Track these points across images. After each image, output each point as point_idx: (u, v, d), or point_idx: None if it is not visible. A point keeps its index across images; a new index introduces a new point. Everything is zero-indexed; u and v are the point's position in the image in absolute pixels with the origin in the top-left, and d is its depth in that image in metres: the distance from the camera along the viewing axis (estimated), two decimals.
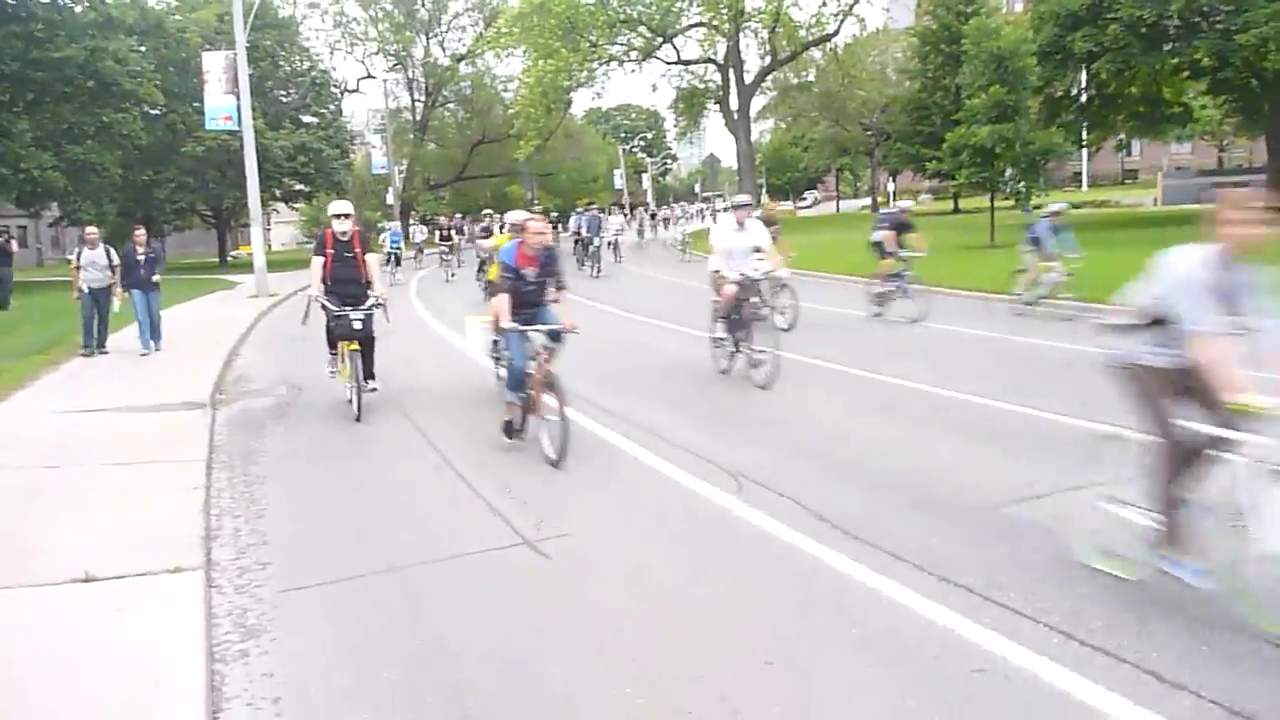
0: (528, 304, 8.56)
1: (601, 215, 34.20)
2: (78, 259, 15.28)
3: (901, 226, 17.23)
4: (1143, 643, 4.55)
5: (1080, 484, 6.21)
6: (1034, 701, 4.13)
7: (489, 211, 24.43)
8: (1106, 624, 4.75)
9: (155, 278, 15.53)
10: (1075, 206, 51.45)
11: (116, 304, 15.42)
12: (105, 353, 15.37)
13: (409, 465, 8.62)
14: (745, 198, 13.20)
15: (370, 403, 10.75)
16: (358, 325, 10.27)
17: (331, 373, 11.07)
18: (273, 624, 5.26)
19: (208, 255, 56.63)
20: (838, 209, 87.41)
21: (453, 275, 30.76)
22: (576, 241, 31.80)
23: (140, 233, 16.12)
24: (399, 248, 32.41)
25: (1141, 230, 29.94)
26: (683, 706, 4.19)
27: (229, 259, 52.31)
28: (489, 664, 4.70)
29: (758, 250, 12.18)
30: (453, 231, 34.00)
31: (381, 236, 32.40)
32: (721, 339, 12.05)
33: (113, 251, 15.55)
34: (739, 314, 11.59)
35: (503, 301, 8.32)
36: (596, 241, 30.64)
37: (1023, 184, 30.00)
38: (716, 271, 11.98)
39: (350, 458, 9.00)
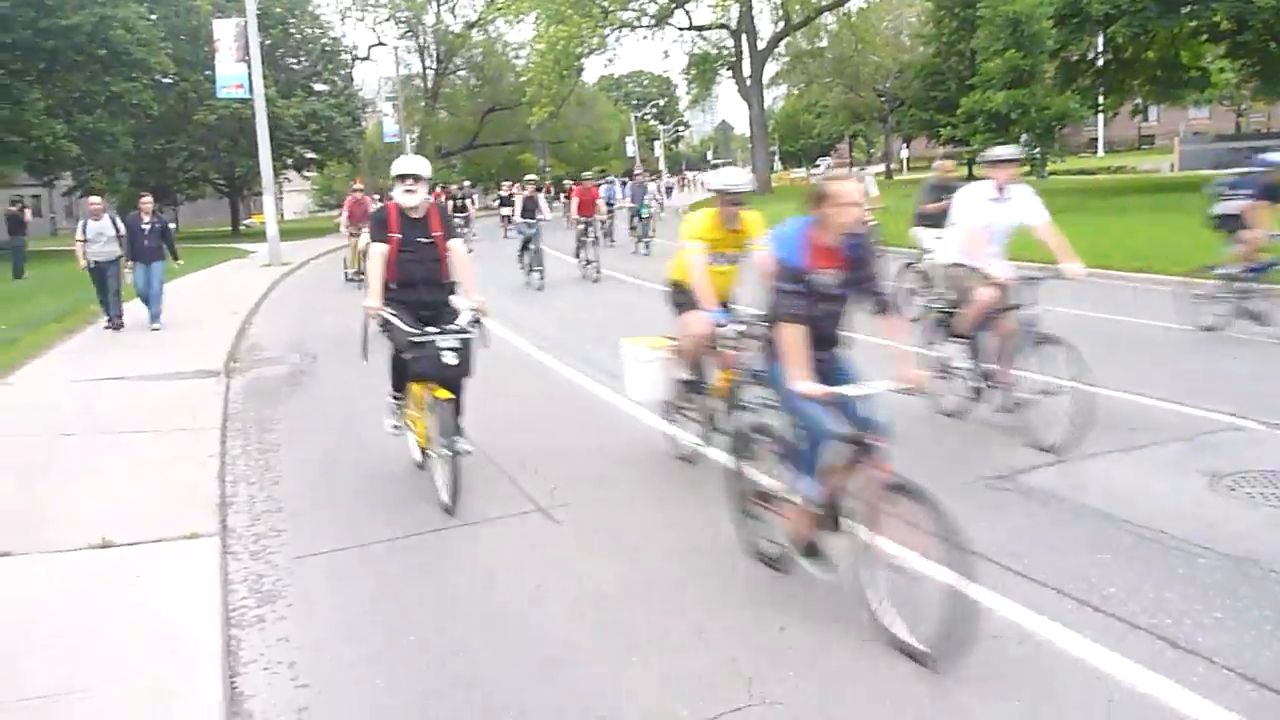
0: (822, 339, 4.76)
1: (646, 182, 29.21)
2: (83, 231, 14.65)
3: (1274, 192, 10.96)
4: (1159, 609, 4.55)
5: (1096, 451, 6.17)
6: (1052, 666, 4.14)
7: (532, 177, 22.81)
8: (1121, 590, 4.75)
9: (167, 249, 14.91)
10: (1089, 173, 51.23)
11: (129, 276, 14.80)
12: (121, 326, 14.83)
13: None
14: (1008, 149, 7.92)
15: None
16: (452, 359, 6.40)
17: (395, 429, 7.31)
18: (288, 590, 5.29)
19: (220, 224, 56.69)
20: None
21: (470, 250, 29.21)
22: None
23: (146, 200, 15.32)
24: None
25: (1160, 196, 29.61)
26: (695, 670, 4.22)
27: (242, 228, 52.34)
28: (497, 630, 4.72)
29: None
30: (466, 201, 32.15)
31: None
32: (960, 368, 7.93)
33: (119, 221, 14.93)
34: (994, 330, 7.54)
35: (795, 339, 4.58)
36: (645, 212, 25.83)
37: (1038, 150, 29.80)
38: (956, 265, 7.88)
39: (361, 425, 9.01)
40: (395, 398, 7.24)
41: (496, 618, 4.86)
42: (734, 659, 4.30)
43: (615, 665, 4.33)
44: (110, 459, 7.65)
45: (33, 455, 7.77)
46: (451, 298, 6.88)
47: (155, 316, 14.86)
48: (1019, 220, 7.62)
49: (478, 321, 6.58)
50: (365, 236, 13.37)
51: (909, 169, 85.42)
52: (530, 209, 19.31)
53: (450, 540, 5.94)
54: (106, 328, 14.82)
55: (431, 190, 7.77)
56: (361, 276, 18.18)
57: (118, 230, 14.65)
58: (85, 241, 14.59)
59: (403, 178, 6.68)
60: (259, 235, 35.93)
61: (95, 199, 15.59)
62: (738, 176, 6.90)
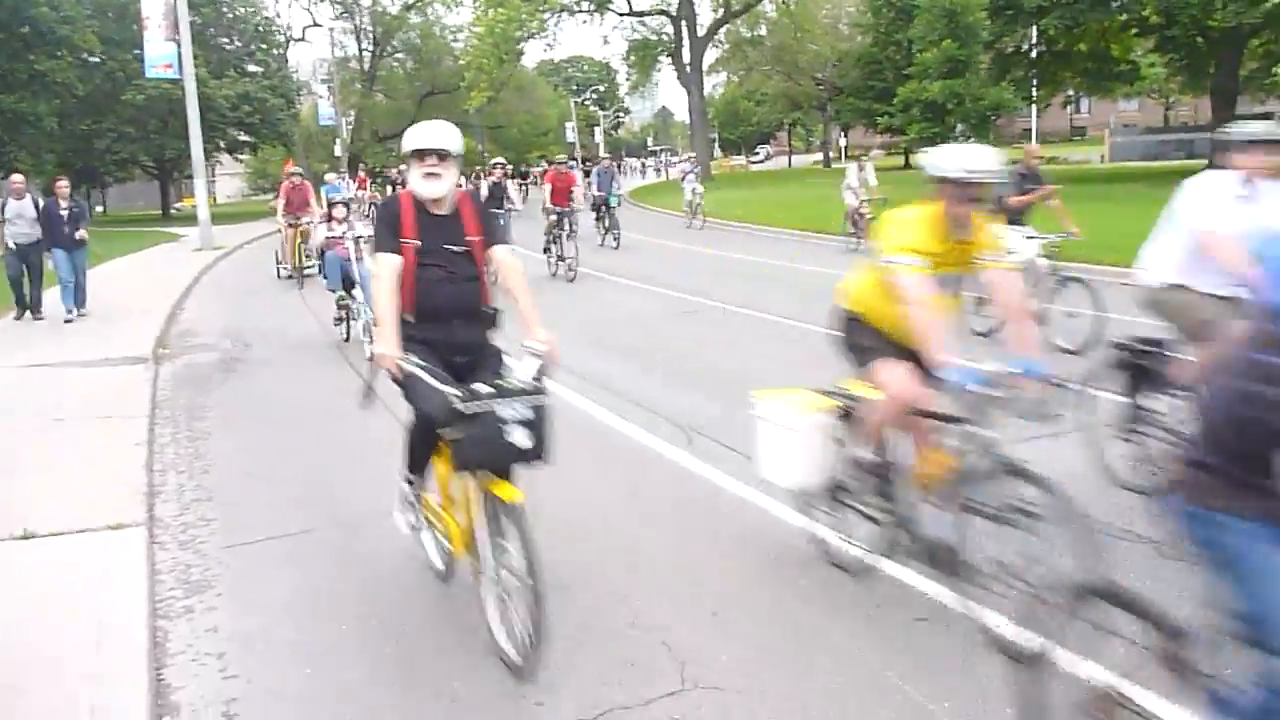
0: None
1: (614, 168, 27.24)
2: (1, 211, 13.79)
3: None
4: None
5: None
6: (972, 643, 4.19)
7: (500, 161, 19.27)
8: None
9: (80, 234, 13.97)
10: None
11: (50, 262, 13.97)
12: (40, 318, 14.01)
13: (358, 420, 8.53)
14: (1266, 126, 5.68)
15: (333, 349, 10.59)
16: (523, 439, 4.09)
17: (413, 527, 5.06)
18: (217, 580, 5.21)
19: (150, 208, 55.49)
20: (790, 164, 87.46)
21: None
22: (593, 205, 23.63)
23: (62, 185, 14.33)
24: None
25: (1092, 185, 30.19)
26: (629, 656, 4.22)
27: (173, 211, 51.27)
28: (434, 618, 4.69)
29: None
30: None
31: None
32: (1166, 432, 5.63)
33: (41, 203, 14.12)
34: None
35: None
36: (614, 202, 23.47)
37: (973, 139, 30.21)
38: (1177, 288, 5.60)
39: (298, 413, 8.90)
40: (410, 481, 4.92)
41: (429, 608, 4.82)
42: None
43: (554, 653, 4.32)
44: (33, 448, 7.47)
45: None
46: (491, 333, 4.75)
47: (81, 303, 14.24)
48: (1269, 226, 4.92)
49: (542, 373, 4.28)
50: (319, 230, 12.68)
51: (846, 157, 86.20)
52: (498, 196, 17.18)
53: (383, 529, 5.86)
54: (16, 319, 14.01)
55: (370, 174, 6.84)
56: (305, 273, 17.33)
57: (39, 212, 13.88)
58: (4, 222, 13.79)
59: (421, 154, 4.47)
60: (190, 219, 35.21)
61: (17, 176, 14.84)
62: (982, 158, 4.34)
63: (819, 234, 22.59)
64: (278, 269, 19.29)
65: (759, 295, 14.20)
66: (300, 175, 20.00)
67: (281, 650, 4.42)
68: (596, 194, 23.23)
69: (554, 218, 17.70)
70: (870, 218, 17.93)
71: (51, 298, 14.33)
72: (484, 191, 18.52)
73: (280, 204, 19.22)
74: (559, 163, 20.87)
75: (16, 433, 7.94)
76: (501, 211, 16.31)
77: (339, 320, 11.93)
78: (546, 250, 17.99)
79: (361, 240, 10.84)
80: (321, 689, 4.10)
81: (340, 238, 11.57)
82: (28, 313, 14.12)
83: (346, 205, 13.03)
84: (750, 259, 19.65)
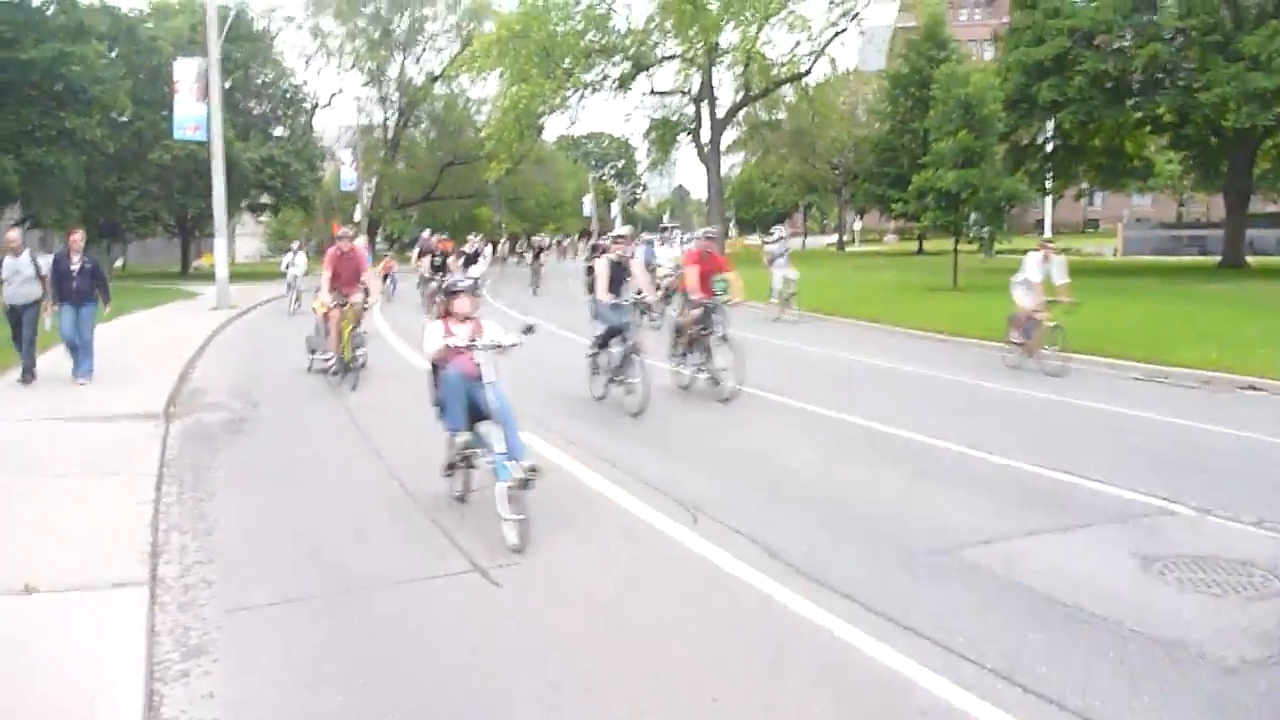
0: None
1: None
2: None
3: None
4: (1088, 691, 4.58)
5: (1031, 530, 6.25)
6: None
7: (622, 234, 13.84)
8: (1050, 671, 4.78)
9: (99, 292, 13.25)
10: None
11: (47, 321, 13.07)
12: (31, 379, 12.99)
13: (362, 484, 8.54)
14: None
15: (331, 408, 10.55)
16: None
17: None
18: (215, 644, 5.18)
19: (170, 264, 55.96)
20: (804, 245, 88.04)
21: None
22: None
23: (76, 238, 13.35)
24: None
25: (1109, 279, 30.33)
26: None
27: (192, 269, 51.77)
28: (437, 692, 4.65)
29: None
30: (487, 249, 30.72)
31: (284, 261, 28.98)
32: None
33: (40, 261, 13.22)
34: None
35: None
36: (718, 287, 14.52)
37: (987, 229, 30.38)
38: None
39: (304, 476, 8.91)
40: None
41: (432, 680, 4.78)
42: None
43: None
44: (40, 501, 7.47)
45: None
46: None
47: (86, 371, 13.19)
48: None
49: None
50: (432, 330, 7.45)
51: (862, 240, 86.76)
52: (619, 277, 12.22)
53: (386, 598, 5.85)
54: (19, 380, 13.01)
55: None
56: (350, 366, 13.39)
57: (38, 269, 12.97)
58: (1, 281, 13.02)
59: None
60: (208, 277, 35.62)
61: (14, 233, 13.80)
62: None
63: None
64: (310, 360, 14.91)
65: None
66: (350, 238, 14.98)
67: (276, 719, 4.38)
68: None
69: (698, 311, 12.53)
70: (1052, 325, 14.38)
71: (53, 358, 13.80)
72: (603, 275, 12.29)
73: (326, 277, 14.21)
74: (704, 236, 14.35)
75: (24, 485, 7.94)
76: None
77: (452, 470, 7.63)
78: (682, 356, 12.96)
79: (501, 349, 7.17)
80: None
81: (467, 348, 7.10)
82: (24, 375, 13.09)
83: (473, 257, 11.86)
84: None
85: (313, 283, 17.79)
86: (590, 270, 12.19)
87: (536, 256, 38.15)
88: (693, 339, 12.71)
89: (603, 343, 12.02)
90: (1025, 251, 11.85)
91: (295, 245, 29.86)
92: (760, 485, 8.33)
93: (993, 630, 5.27)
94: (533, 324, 7.91)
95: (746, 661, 4.96)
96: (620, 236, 13.15)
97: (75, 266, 13.11)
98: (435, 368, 7.45)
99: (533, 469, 6.54)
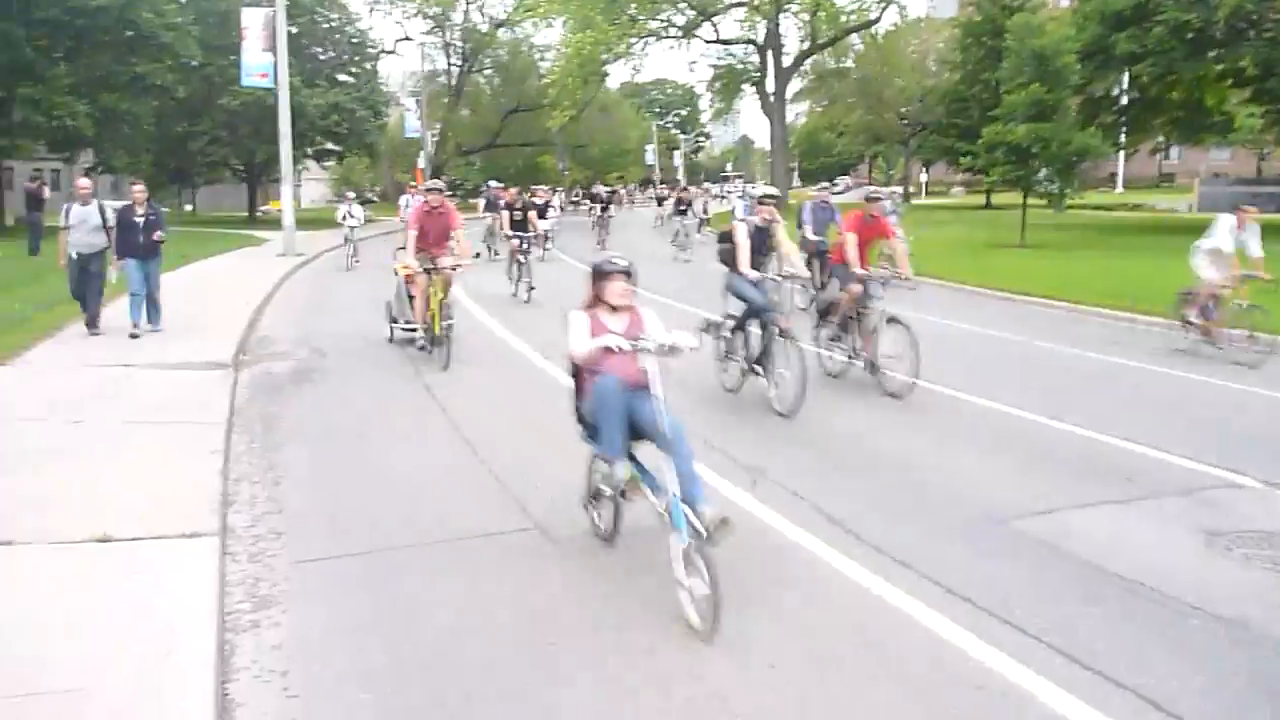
0: None
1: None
2: (66, 216, 12.78)
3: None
4: (1144, 670, 4.56)
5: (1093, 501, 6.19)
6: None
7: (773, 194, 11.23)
8: (1108, 647, 4.76)
9: (158, 236, 13.08)
10: (1108, 209, 51.25)
11: (113, 274, 12.90)
12: (98, 333, 12.90)
13: (425, 437, 8.67)
14: None
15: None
16: None
17: None
18: (285, 595, 5.33)
19: (237, 209, 56.79)
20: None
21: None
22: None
23: (139, 189, 13.27)
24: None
25: (1170, 237, 29.55)
26: (681, 708, 4.24)
27: (258, 214, 52.51)
28: (496, 648, 4.75)
29: None
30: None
31: (340, 211, 26.78)
32: None
33: (108, 209, 13.00)
34: None
35: None
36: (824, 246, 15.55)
37: (1057, 184, 29.76)
38: None
39: (371, 426, 9.07)
40: None
41: (492, 637, 4.88)
42: None
43: (613, 696, 4.36)
44: (116, 450, 7.70)
45: (40, 441, 7.83)
46: None
47: (153, 319, 13.34)
48: None
49: None
50: (577, 324, 5.70)
51: (927, 193, 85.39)
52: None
53: (449, 553, 5.97)
54: (87, 331, 12.91)
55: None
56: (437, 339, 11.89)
57: (104, 220, 12.80)
58: (68, 229, 12.79)
59: None
60: (274, 223, 36.08)
61: (84, 181, 13.68)
62: None
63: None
64: (391, 329, 13.54)
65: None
66: (440, 192, 13.14)
67: (342, 673, 4.51)
68: (813, 237, 16.12)
69: (858, 287, 10.66)
70: (1240, 305, 12.41)
71: (122, 307, 13.57)
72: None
73: (411, 236, 12.54)
74: (761, 198, 11.10)
75: (101, 434, 8.18)
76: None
77: (597, 499, 6.04)
78: (832, 339, 11.26)
79: (676, 351, 5.48)
80: (381, 716, 4.18)
81: (632, 349, 5.34)
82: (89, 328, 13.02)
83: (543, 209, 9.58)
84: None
85: (374, 235, 16.90)
86: (725, 238, 10.12)
87: (605, 208, 34.31)
88: (847, 319, 10.85)
89: (739, 324, 10.04)
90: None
91: (351, 195, 29.22)
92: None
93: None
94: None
95: (802, 627, 5.00)
96: (769, 196, 10.79)
97: (140, 219, 13.04)
98: (579, 372, 5.84)
99: (724, 521, 4.84)
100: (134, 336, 12.79)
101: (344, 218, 25.62)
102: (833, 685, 4.45)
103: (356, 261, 24.71)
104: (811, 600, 5.34)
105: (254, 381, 10.99)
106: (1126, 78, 37.01)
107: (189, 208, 62.78)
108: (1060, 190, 30.01)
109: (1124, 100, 38.65)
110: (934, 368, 10.32)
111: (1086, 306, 17.14)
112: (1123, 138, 40.67)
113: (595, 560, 5.84)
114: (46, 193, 29.69)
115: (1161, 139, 47.66)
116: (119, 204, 13.55)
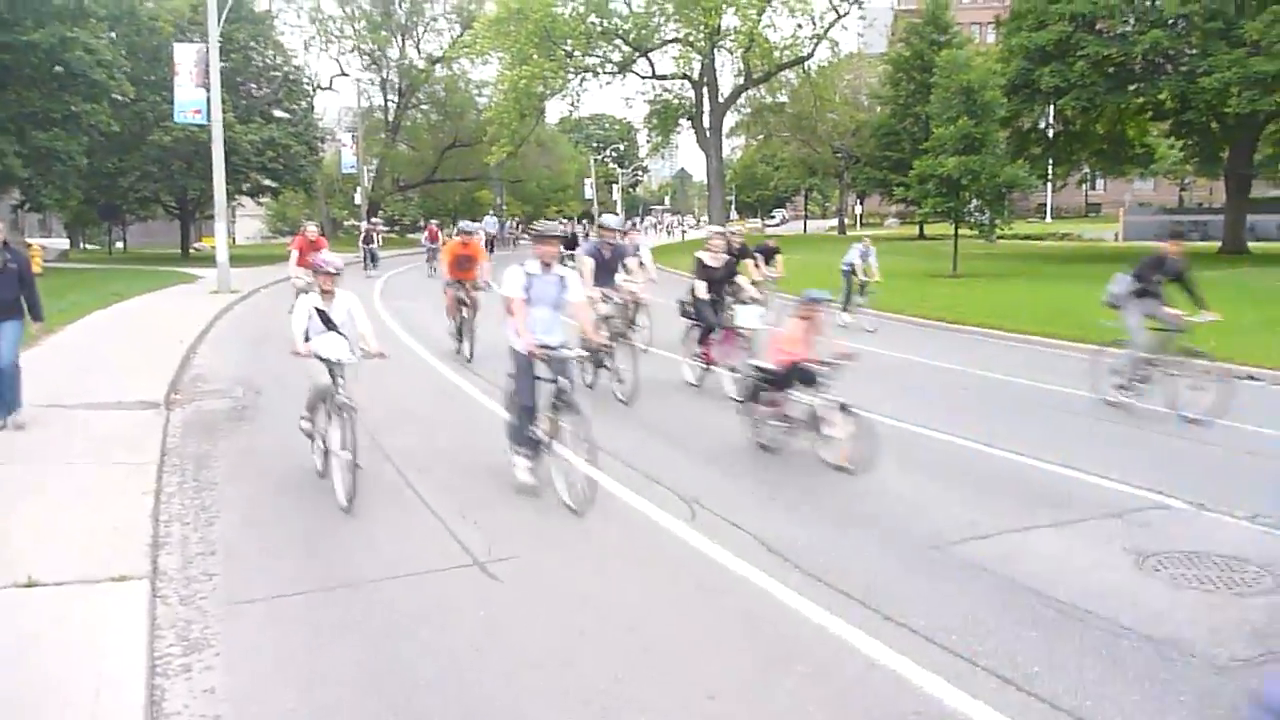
0: None
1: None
2: None
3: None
4: (1080, 691, 4.64)
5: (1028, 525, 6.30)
6: None
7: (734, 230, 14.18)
8: (1045, 669, 4.84)
9: (26, 303, 9.73)
10: (1037, 239, 52.40)
11: None
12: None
13: (363, 474, 8.56)
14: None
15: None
16: None
17: None
18: (217, 638, 5.23)
19: (170, 246, 55.92)
20: (805, 229, 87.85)
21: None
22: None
23: None
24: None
25: (1099, 265, 30.32)
26: None
27: (192, 250, 51.72)
28: (435, 686, 4.70)
29: None
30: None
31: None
32: None
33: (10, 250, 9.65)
34: None
35: None
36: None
37: (987, 215, 30.41)
38: None
39: (305, 466, 8.93)
40: None
41: (432, 675, 4.83)
42: None
43: None
44: (44, 490, 7.51)
45: None
46: None
47: (6, 405, 9.63)
48: None
49: None
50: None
51: (862, 225, 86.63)
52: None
53: (387, 591, 5.90)
54: None
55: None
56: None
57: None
58: None
59: None
60: (208, 260, 35.56)
61: None
62: None
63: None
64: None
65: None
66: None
67: (278, 715, 4.43)
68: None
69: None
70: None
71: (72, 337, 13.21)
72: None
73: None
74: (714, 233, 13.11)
75: (29, 474, 7.97)
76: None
77: None
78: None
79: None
80: None
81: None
82: None
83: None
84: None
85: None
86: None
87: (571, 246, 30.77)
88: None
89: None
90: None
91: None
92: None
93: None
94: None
95: (743, 659, 5.02)
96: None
97: None
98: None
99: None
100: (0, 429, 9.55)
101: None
102: (771, 715, 4.47)
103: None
104: (753, 630, 5.36)
105: (187, 421, 10.80)
106: (1052, 111, 38.01)
107: (120, 245, 61.70)
108: (991, 221, 30.69)
109: (1050, 133, 39.66)
110: (872, 396, 10.15)
111: (1019, 335, 17.54)
112: (1050, 169, 41.68)
113: (534, 596, 5.82)
114: None
115: (1087, 170, 48.88)
116: None
